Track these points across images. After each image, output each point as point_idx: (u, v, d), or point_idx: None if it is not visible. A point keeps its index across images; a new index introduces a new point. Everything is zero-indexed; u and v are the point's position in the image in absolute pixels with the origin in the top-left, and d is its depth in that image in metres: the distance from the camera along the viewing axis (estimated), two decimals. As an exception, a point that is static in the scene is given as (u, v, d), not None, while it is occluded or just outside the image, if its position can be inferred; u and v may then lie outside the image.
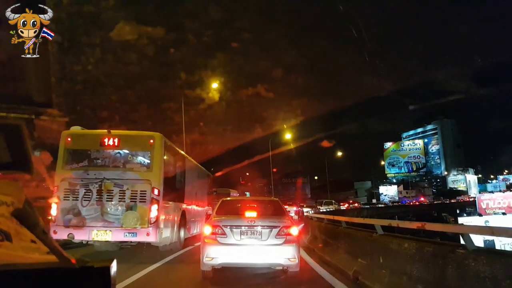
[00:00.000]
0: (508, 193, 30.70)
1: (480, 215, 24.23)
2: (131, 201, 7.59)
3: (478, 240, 12.95)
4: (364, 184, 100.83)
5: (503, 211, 24.98)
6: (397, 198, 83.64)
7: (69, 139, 7.82)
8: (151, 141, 7.92)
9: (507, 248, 13.80)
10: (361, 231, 6.33)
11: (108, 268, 0.83)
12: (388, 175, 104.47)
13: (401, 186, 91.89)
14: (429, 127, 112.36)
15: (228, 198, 7.70)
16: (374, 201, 78.80)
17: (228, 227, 5.54)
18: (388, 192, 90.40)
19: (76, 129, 8.04)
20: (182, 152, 10.69)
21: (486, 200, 27.67)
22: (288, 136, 36.86)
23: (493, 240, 14.31)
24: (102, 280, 0.82)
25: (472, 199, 66.45)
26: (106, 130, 7.94)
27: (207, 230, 5.63)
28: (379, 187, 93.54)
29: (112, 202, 7.56)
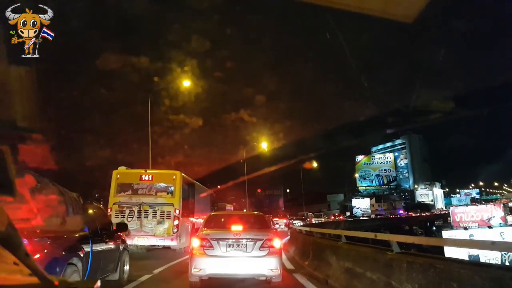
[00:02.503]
0: (481, 206, 31.29)
1: (466, 228, 25.18)
2: (160, 218, 11.83)
3: (463, 255, 13.68)
4: (337, 197, 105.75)
5: (476, 224, 26.15)
6: (369, 211, 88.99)
7: (118, 175, 12.02)
8: (174, 177, 12.23)
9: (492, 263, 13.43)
10: (444, 260, 4.09)
11: None
12: (359, 188, 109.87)
13: (373, 199, 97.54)
14: (398, 141, 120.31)
15: (214, 213, 8.74)
16: (348, 213, 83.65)
17: (215, 240, 6.06)
18: (361, 205, 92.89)
19: (122, 168, 12.26)
20: (193, 181, 14.96)
21: (459, 213, 28.56)
22: (264, 145, 39.83)
23: (478, 254, 15.22)
24: None
25: (443, 212, 71.08)
26: (143, 170, 12.23)
27: (195, 242, 6.16)
28: (352, 200, 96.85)
29: (148, 219, 11.77)
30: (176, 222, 11.83)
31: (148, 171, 12.25)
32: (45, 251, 4.23)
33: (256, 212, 8.92)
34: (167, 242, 11.77)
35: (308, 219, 45.06)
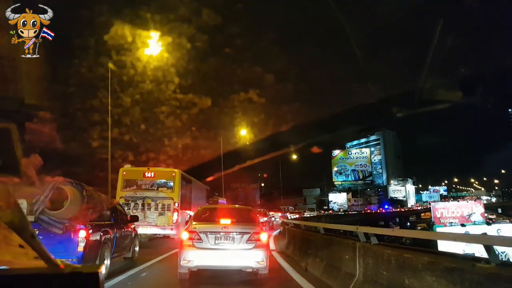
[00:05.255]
0: (462, 202, 32.01)
1: (463, 225, 25.37)
2: (161, 210, 14.11)
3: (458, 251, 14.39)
4: (313, 192, 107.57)
5: (457, 221, 26.87)
6: (346, 206, 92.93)
7: (124, 172, 14.21)
8: (173, 174, 14.52)
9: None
10: None
11: (97, 274, 0.91)
12: (335, 183, 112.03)
13: (350, 194, 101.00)
14: (372, 137, 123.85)
15: (203, 207, 8.96)
16: (325, 208, 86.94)
17: (204, 233, 6.45)
18: (338, 199, 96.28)
19: (128, 166, 14.46)
20: (191, 177, 17.21)
21: (440, 209, 28.85)
22: (243, 132, 39.73)
23: (473, 253, 15.75)
24: (91, 285, 0.90)
25: (420, 208, 74.53)
26: (147, 168, 14.46)
27: (185, 235, 6.55)
28: (329, 194, 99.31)
29: (150, 211, 14.03)
30: (175, 214, 14.16)
31: (151, 169, 14.52)
32: (93, 233, 6.69)
33: (242, 206, 9.21)
34: (167, 232, 14.10)
35: (302, 212, 48.03)
